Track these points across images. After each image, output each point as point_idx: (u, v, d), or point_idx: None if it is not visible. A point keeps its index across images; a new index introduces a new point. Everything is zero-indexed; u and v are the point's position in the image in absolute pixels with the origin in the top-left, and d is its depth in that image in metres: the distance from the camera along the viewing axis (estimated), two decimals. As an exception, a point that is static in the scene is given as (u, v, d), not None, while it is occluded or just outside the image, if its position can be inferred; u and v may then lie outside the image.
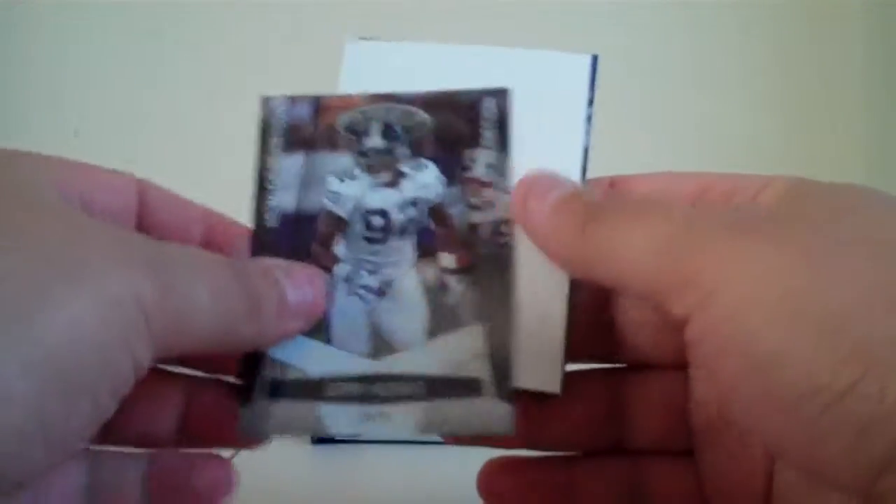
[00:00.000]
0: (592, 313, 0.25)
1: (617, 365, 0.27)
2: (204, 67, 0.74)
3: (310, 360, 0.24)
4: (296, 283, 0.23)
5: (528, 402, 0.25)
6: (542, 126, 0.25)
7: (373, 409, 0.23)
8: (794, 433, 0.18)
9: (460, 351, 0.24)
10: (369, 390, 0.24)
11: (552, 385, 0.24)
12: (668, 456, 0.26)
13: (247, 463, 0.41)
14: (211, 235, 0.26)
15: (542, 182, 0.24)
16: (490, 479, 0.27)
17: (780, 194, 0.22)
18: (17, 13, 0.75)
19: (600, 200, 0.22)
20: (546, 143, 0.25)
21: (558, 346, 0.24)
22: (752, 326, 0.18)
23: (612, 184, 0.26)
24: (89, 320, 0.18)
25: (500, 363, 0.23)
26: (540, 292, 0.24)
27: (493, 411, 0.23)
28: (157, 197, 0.25)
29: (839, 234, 0.19)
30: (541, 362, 0.24)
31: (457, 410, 0.23)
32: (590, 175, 0.26)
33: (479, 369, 0.24)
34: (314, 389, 0.24)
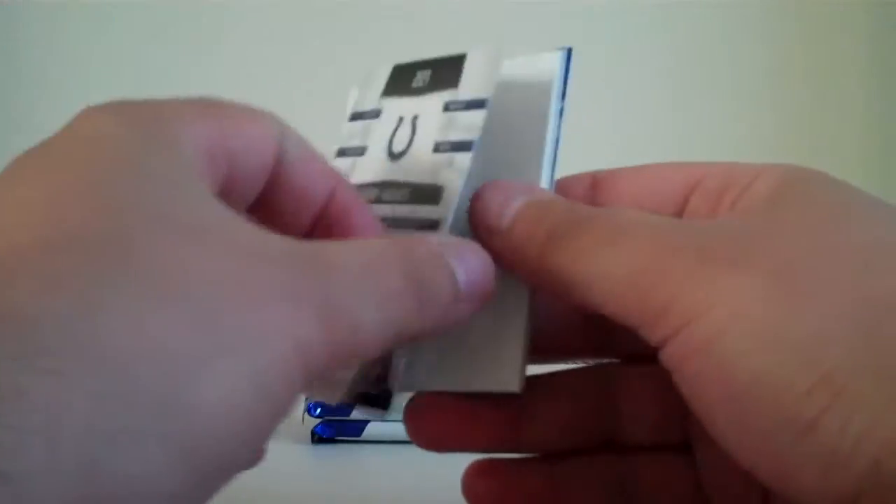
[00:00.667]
0: (574, 309, 0.24)
1: (608, 360, 0.27)
2: (204, 67, 0.74)
3: None
4: (467, 264, 0.20)
5: (512, 403, 0.24)
6: (511, 127, 0.24)
7: None
8: (769, 462, 0.18)
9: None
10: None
11: (510, 384, 0.23)
12: (662, 450, 0.26)
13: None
14: (330, 202, 0.22)
15: (497, 195, 0.22)
16: (473, 482, 0.26)
17: (768, 191, 0.21)
18: (17, 13, 0.75)
19: (562, 216, 0.21)
20: (513, 141, 0.24)
21: (517, 343, 0.23)
22: (726, 357, 0.18)
23: (595, 183, 0.25)
24: (246, 391, 0.15)
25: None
26: (497, 286, 0.23)
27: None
28: (296, 156, 0.21)
29: (818, 244, 0.19)
30: (498, 362, 0.23)
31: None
32: (569, 171, 0.25)
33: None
34: None
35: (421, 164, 0.24)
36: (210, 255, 0.16)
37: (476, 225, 0.23)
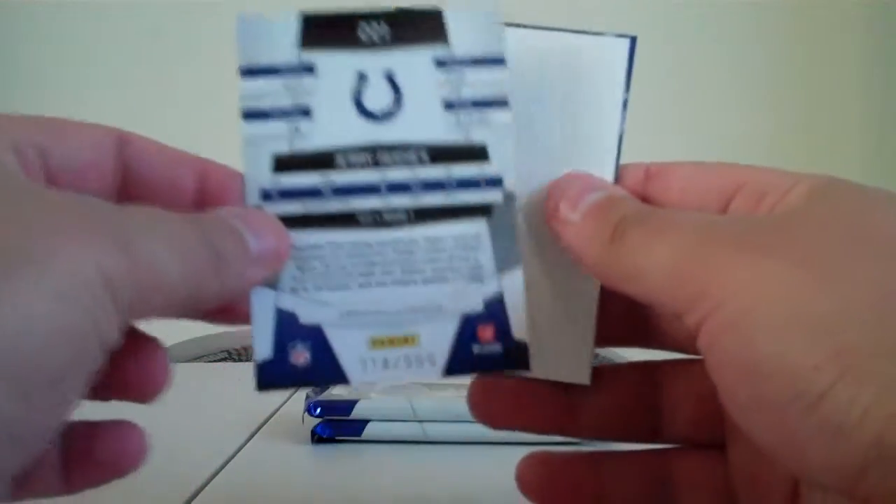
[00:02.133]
0: (628, 300, 0.25)
1: (652, 357, 0.28)
2: (204, 66, 0.74)
3: None
4: (256, 230, 0.22)
5: (559, 390, 0.26)
6: (578, 112, 0.25)
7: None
8: (781, 437, 0.19)
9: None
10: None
11: (581, 376, 0.25)
12: (699, 448, 0.27)
13: (247, 462, 0.41)
14: (204, 184, 0.25)
15: (573, 187, 0.24)
16: (526, 471, 0.27)
17: (803, 195, 0.22)
18: (17, 13, 0.75)
19: (628, 212, 0.23)
20: (582, 130, 0.25)
21: (588, 337, 0.25)
22: (748, 335, 0.19)
23: (648, 174, 0.26)
24: (45, 310, 0.17)
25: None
26: (567, 281, 0.25)
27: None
28: (141, 149, 0.24)
29: (845, 235, 0.20)
30: (569, 353, 0.25)
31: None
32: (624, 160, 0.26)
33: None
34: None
35: (430, 122, 0.24)
36: (7, 201, 0.18)
37: (550, 212, 0.24)
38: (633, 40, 0.25)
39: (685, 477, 0.27)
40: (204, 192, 0.25)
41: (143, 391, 0.23)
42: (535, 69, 0.25)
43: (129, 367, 0.22)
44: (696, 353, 0.26)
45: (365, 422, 0.43)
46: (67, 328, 0.17)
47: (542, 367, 0.25)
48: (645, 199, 0.26)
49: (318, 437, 0.44)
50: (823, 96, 1.05)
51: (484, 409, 0.27)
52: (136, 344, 0.23)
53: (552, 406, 0.27)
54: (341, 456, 0.42)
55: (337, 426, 0.43)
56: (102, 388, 0.22)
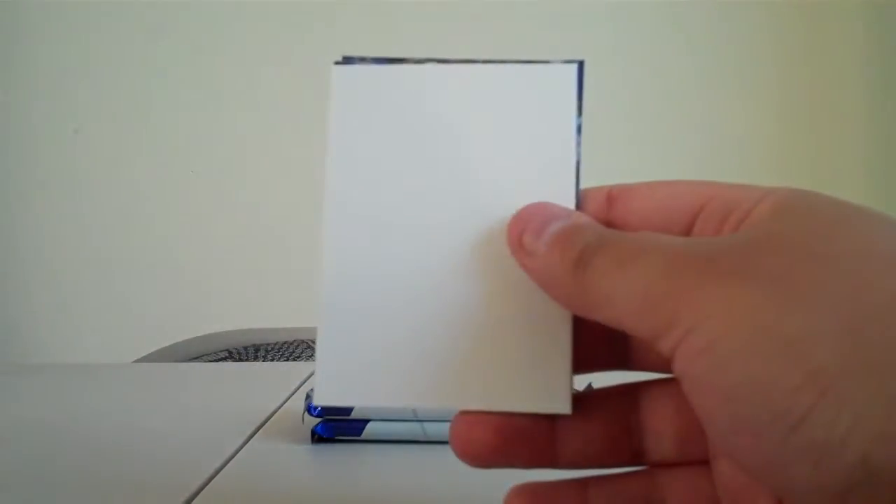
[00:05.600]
0: (604, 326, 0.25)
1: (633, 379, 0.28)
2: (203, 66, 0.73)
3: None
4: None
5: (542, 419, 0.25)
6: (532, 143, 0.25)
7: None
8: (763, 459, 0.19)
9: None
10: None
11: (561, 405, 0.24)
12: (686, 465, 0.27)
13: (247, 462, 0.41)
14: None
15: (535, 217, 0.24)
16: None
17: (767, 213, 0.22)
18: (18, 13, 0.75)
19: (591, 240, 0.23)
20: (537, 161, 0.25)
21: (564, 365, 0.24)
22: (722, 359, 0.19)
23: (610, 197, 0.26)
24: None
25: None
26: (538, 311, 0.24)
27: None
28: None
29: (811, 253, 0.20)
30: (547, 383, 0.24)
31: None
32: (588, 184, 0.25)
33: None
34: None
35: None
36: None
37: (514, 243, 0.24)
38: (581, 65, 0.25)
39: (674, 495, 0.27)
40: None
41: None
42: (482, 104, 0.25)
43: None
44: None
45: (365, 421, 0.43)
46: None
47: (520, 400, 0.24)
48: (608, 223, 0.25)
49: (318, 437, 0.44)
50: (827, 97, 1.05)
51: (467, 448, 0.26)
52: None
53: (537, 441, 0.26)
54: (341, 456, 0.42)
55: (337, 426, 0.43)
56: None
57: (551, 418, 0.26)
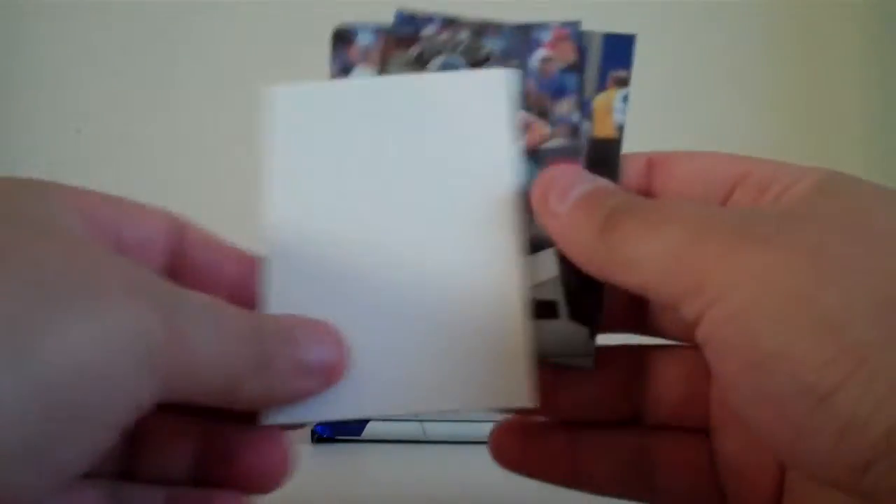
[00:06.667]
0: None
1: (644, 341, 0.28)
2: (205, 65, 0.74)
3: None
4: (317, 342, 0.23)
5: (546, 370, 0.25)
6: (471, 145, 0.26)
7: None
8: (784, 430, 0.19)
9: (538, 273, 0.25)
10: None
11: (525, 400, 0.23)
12: (681, 432, 0.27)
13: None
14: (243, 277, 0.25)
15: (563, 177, 0.24)
16: (499, 439, 0.27)
17: (808, 189, 0.22)
18: (18, 13, 0.75)
19: (619, 202, 0.22)
20: (477, 163, 0.25)
21: (523, 360, 0.24)
22: (752, 327, 0.19)
23: (650, 163, 0.26)
24: (94, 352, 0.18)
25: (572, 286, 0.25)
26: (497, 310, 0.24)
27: (573, 335, 0.24)
28: (193, 236, 0.25)
29: (851, 230, 0.20)
30: (508, 380, 0.24)
31: (539, 333, 0.24)
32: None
33: (554, 292, 0.25)
34: None
35: None
36: (65, 248, 0.19)
37: (539, 204, 0.24)
38: (513, 73, 0.26)
39: (666, 457, 0.27)
40: (242, 284, 0.25)
41: (262, 483, 0.24)
42: (419, 114, 0.26)
43: (249, 460, 0.24)
44: (692, 341, 0.26)
45: (365, 421, 0.43)
46: (110, 375, 0.18)
47: (483, 398, 0.24)
48: (647, 189, 0.25)
49: (318, 437, 0.44)
50: (825, 94, 1.05)
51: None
52: (259, 435, 0.24)
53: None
54: (341, 456, 0.42)
55: (337, 426, 0.43)
56: (222, 479, 0.23)
57: (562, 373, 0.26)
